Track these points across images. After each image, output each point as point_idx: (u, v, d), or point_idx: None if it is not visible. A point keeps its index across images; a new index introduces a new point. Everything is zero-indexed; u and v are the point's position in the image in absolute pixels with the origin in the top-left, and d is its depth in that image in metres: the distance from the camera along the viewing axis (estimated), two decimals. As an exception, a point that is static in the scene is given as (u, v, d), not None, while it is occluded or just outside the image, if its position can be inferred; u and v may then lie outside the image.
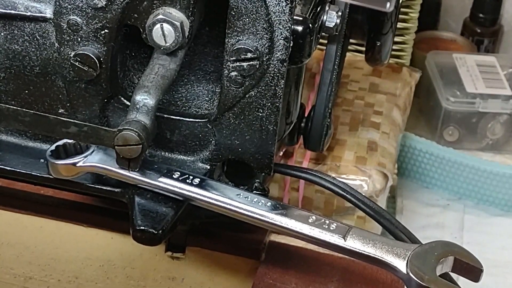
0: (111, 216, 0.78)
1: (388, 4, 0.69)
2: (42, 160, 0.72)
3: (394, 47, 1.18)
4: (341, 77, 0.88)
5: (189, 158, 0.71)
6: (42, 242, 0.81)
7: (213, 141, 0.70)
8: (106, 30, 0.65)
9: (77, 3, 0.65)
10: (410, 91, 1.19)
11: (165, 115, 0.70)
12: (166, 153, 0.72)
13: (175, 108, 0.72)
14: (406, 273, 0.62)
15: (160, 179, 0.67)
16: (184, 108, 0.72)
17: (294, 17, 0.64)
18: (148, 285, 0.80)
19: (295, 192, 1.02)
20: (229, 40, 0.64)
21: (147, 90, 0.64)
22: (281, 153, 0.97)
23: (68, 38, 0.66)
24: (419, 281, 0.61)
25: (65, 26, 0.66)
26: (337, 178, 0.76)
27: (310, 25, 0.65)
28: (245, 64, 0.65)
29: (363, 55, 0.85)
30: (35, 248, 0.81)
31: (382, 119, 1.10)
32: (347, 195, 0.73)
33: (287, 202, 1.02)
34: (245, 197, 0.67)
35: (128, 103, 0.68)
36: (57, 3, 0.66)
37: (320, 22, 0.69)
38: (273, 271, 0.72)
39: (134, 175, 0.67)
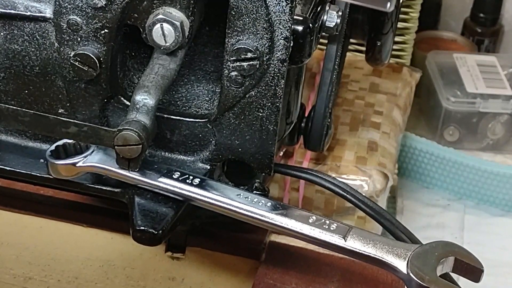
0: (111, 216, 0.78)
1: (388, 4, 0.69)
2: (42, 160, 0.72)
3: (395, 47, 1.18)
4: (341, 77, 0.88)
5: (189, 158, 0.71)
6: (42, 242, 0.81)
7: (213, 141, 0.70)
8: (106, 30, 0.65)
9: (77, 3, 0.65)
10: (411, 91, 1.19)
11: (165, 115, 0.70)
12: (166, 153, 0.72)
13: (175, 108, 0.72)
14: (406, 273, 0.62)
15: (160, 179, 0.67)
16: (184, 108, 0.72)
17: (295, 17, 0.64)
18: (148, 285, 0.80)
19: (295, 192, 1.02)
20: (229, 40, 0.64)
21: (147, 90, 0.64)
22: (281, 153, 0.97)
23: (68, 38, 0.66)
24: (420, 282, 0.61)
25: (65, 26, 0.66)
26: (338, 178, 0.76)
27: (311, 25, 0.65)
28: (245, 64, 0.64)
29: (364, 55, 0.85)
30: (35, 248, 0.81)
31: (383, 119, 1.10)
32: (347, 195, 0.73)
33: (287, 202, 1.02)
34: (245, 197, 0.66)
35: (128, 103, 0.68)
36: (57, 3, 0.66)
37: (320, 22, 0.69)
38: (273, 271, 0.72)
39: (134, 175, 0.66)
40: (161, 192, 0.67)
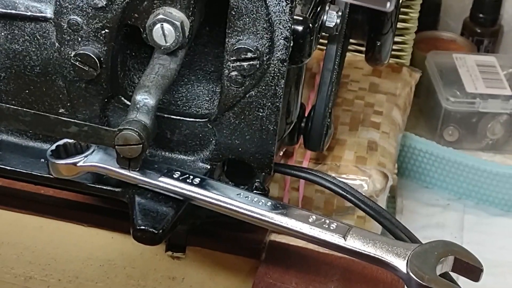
0: (112, 216, 0.78)
1: (388, 4, 0.70)
2: (42, 160, 0.72)
3: (394, 47, 1.18)
4: (341, 77, 0.88)
5: (189, 158, 0.71)
6: (42, 241, 0.81)
7: (213, 141, 0.70)
8: (106, 30, 0.65)
9: (77, 3, 0.65)
10: (410, 91, 1.19)
11: (166, 115, 0.70)
12: (167, 153, 0.72)
13: (176, 108, 0.72)
14: (406, 272, 0.62)
15: (160, 178, 0.67)
16: (184, 107, 0.72)
17: (294, 17, 0.64)
18: (148, 284, 0.80)
19: (295, 191, 1.02)
20: (230, 40, 0.64)
21: (147, 90, 0.64)
22: (281, 153, 0.97)
23: (68, 38, 0.66)
24: (419, 281, 0.61)
25: (65, 26, 0.66)
26: (337, 178, 0.76)
27: (310, 25, 0.65)
28: (245, 63, 0.65)
29: (363, 55, 0.85)
30: (35, 248, 0.81)
31: (382, 119, 1.10)
32: (347, 195, 0.73)
33: (287, 201, 1.02)
34: (245, 197, 0.67)
35: (128, 103, 0.68)
36: (58, 3, 0.66)
37: (320, 22, 0.69)
38: (273, 270, 0.72)
39: (135, 175, 0.67)
40: (162, 191, 0.67)
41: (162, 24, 0.63)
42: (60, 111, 0.70)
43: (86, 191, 0.72)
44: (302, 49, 0.65)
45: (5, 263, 0.82)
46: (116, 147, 0.64)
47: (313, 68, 1.10)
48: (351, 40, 0.86)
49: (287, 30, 0.63)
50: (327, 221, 0.65)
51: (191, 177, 0.67)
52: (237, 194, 0.67)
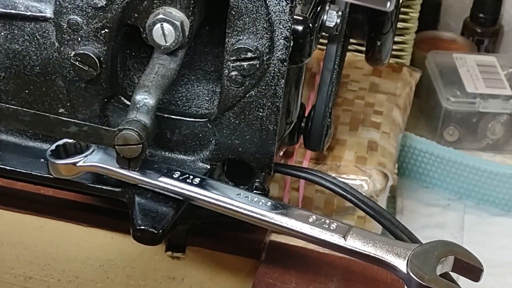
0: (111, 216, 0.78)
1: (388, 4, 0.70)
2: (42, 160, 0.72)
3: (394, 47, 1.18)
4: (341, 77, 0.88)
5: (189, 158, 0.71)
6: (42, 242, 0.81)
7: (213, 141, 0.70)
8: (106, 30, 0.65)
9: (77, 3, 0.65)
10: (410, 91, 1.19)
11: (165, 115, 0.70)
12: (166, 153, 0.72)
13: (175, 107, 0.72)
14: (406, 272, 0.62)
15: (160, 178, 0.67)
16: (184, 107, 0.72)
17: (295, 16, 0.64)
18: (148, 285, 0.80)
19: (295, 191, 1.02)
20: (229, 39, 0.64)
21: (147, 90, 0.64)
22: (281, 153, 0.97)
23: (68, 37, 0.66)
24: (420, 281, 0.61)
25: (65, 26, 0.66)
26: (337, 178, 0.76)
27: (311, 24, 0.65)
28: (245, 63, 0.64)
29: (363, 55, 0.85)
30: (35, 248, 0.81)
31: (382, 119, 1.10)
32: (347, 195, 0.73)
33: (287, 202, 1.02)
34: (245, 197, 0.66)
35: (128, 102, 0.68)
36: (58, 3, 0.66)
37: (320, 22, 0.69)
38: (274, 270, 0.72)
39: (134, 175, 0.66)
40: (161, 191, 0.67)
41: (162, 24, 0.63)
42: (60, 111, 0.70)
43: (86, 191, 0.72)
44: (302, 49, 0.65)
45: (5, 263, 0.82)
46: (116, 147, 0.63)
47: (313, 68, 1.10)
48: (351, 40, 0.86)
49: (287, 30, 0.63)
50: (327, 221, 0.65)
51: (191, 177, 0.67)
52: (237, 194, 0.67)
